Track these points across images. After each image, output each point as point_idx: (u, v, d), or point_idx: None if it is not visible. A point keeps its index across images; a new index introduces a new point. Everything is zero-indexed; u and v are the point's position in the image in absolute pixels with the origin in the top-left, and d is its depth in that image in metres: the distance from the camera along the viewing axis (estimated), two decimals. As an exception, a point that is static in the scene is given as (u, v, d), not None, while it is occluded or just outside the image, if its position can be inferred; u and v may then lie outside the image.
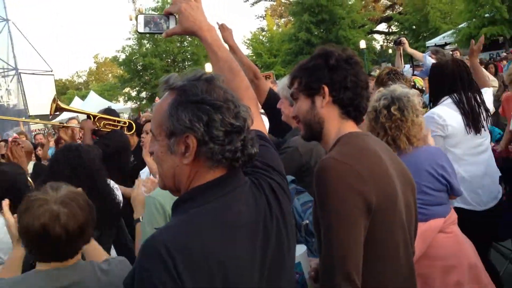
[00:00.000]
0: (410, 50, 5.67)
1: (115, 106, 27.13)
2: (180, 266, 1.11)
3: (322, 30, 28.94)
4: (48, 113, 4.57)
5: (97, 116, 4.49)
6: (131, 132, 4.87)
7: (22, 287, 1.76)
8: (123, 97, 31.79)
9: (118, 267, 1.98)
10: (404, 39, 5.55)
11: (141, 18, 1.69)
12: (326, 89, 1.66)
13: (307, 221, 2.32)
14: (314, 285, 1.79)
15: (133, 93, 29.60)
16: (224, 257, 1.19)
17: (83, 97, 32.33)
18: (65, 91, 50.95)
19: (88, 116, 4.51)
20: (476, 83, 3.38)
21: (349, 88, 1.65)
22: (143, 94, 28.89)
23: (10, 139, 8.05)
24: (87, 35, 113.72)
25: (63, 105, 4.69)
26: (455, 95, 3.25)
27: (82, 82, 66.31)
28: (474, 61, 3.92)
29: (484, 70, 4.46)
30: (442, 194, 2.60)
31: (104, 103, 26.76)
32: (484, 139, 3.35)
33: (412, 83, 4.36)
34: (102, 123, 4.46)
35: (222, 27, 3.28)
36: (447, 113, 3.21)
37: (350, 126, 1.70)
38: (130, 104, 29.73)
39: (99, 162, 2.87)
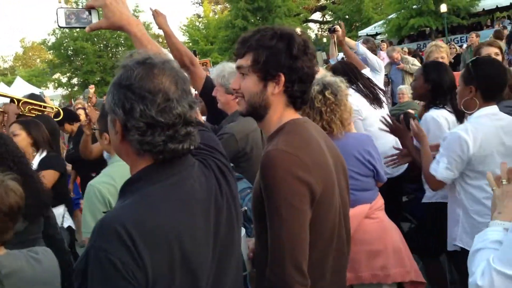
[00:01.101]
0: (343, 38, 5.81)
1: (44, 93, 25.92)
2: (138, 243, 1.13)
3: (258, 18, 29.09)
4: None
5: (21, 100, 4.30)
6: (59, 119, 4.72)
7: None
8: (53, 83, 30.36)
9: (47, 256, 2.00)
10: (338, 27, 5.63)
11: (61, 12, 1.62)
12: (282, 78, 1.58)
13: (245, 208, 2.37)
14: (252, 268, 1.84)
15: (64, 79, 28.37)
16: (181, 230, 1.23)
17: (8, 83, 30.49)
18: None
19: (12, 100, 4.30)
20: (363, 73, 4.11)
21: (303, 81, 1.60)
22: (75, 81, 27.77)
23: None
24: (13, 17, 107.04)
25: None
26: (353, 86, 3.81)
27: (7, 67, 62.57)
28: (344, 48, 5.05)
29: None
30: (369, 180, 2.72)
31: (32, 90, 25.47)
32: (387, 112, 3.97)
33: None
34: (27, 108, 4.28)
35: (156, 13, 3.22)
36: (355, 100, 3.62)
37: (291, 113, 1.67)
38: (60, 91, 28.49)
39: (21, 150, 2.78)
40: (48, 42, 27.69)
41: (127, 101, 1.22)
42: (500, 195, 1.57)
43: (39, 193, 2.66)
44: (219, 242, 1.35)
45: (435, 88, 3.18)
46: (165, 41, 3.27)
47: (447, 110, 3.14)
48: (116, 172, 2.38)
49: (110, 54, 27.61)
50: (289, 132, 1.60)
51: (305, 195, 1.49)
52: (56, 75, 29.60)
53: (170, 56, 1.68)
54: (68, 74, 27.78)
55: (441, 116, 3.09)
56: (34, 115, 4.28)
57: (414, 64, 8.16)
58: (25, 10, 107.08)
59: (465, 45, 13.09)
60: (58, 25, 1.65)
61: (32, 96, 4.78)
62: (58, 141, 4.59)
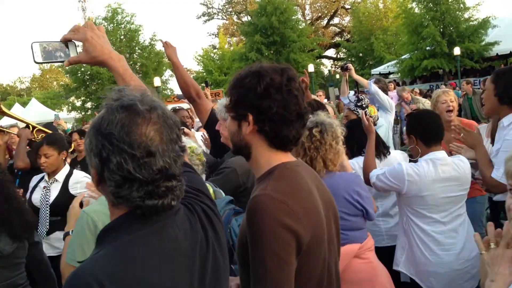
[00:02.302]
0: (356, 77, 5.80)
1: (59, 115, 26.24)
2: None
3: (272, 52, 29.45)
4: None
5: (36, 127, 4.43)
6: (70, 150, 4.84)
7: None
8: (67, 106, 30.78)
9: None
10: (350, 65, 5.70)
11: (36, 47, 1.55)
12: (250, 117, 1.53)
13: None
14: None
15: (78, 103, 28.73)
16: (160, 284, 1.14)
17: (24, 104, 31.08)
18: (5, 96, 48.83)
19: (27, 125, 4.45)
20: None
21: (275, 120, 1.51)
22: (88, 105, 28.08)
23: None
24: (33, 39, 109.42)
25: (4, 109, 4.58)
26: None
27: (24, 88, 63.74)
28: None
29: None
30: (357, 219, 2.69)
31: (47, 112, 25.86)
32: None
33: (357, 113, 4.48)
34: (40, 136, 4.39)
35: (166, 44, 3.28)
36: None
37: (280, 156, 1.59)
38: (74, 114, 28.84)
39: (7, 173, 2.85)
40: (63, 66, 28.19)
41: (104, 150, 1.11)
42: (490, 260, 1.48)
43: (22, 213, 2.70)
44: None
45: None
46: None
47: None
48: None
49: (124, 81, 27.93)
50: (278, 176, 1.53)
51: (291, 245, 1.42)
52: (71, 99, 30.02)
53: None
54: (82, 98, 28.16)
55: None
56: None
57: (426, 104, 8.16)
58: (46, 32, 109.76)
59: (477, 88, 13.12)
60: (34, 60, 1.56)
61: (47, 125, 4.94)
62: None
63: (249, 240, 1.45)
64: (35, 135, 4.37)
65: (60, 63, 1.62)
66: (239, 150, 1.64)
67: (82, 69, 26.50)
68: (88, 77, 27.18)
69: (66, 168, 3.88)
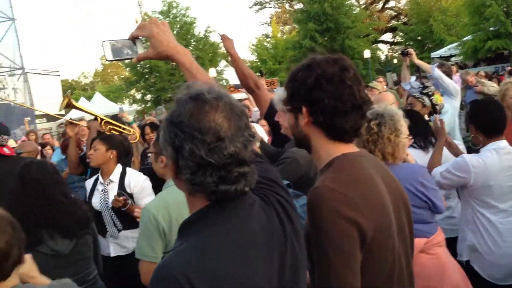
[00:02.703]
0: (417, 61, 5.57)
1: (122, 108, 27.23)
2: None
3: (326, 39, 29.02)
4: (54, 113, 4.65)
5: (104, 119, 4.61)
6: (134, 141, 5.00)
7: None
8: (128, 99, 31.89)
9: None
10: (411, 50, 5.51)
11: (107, 45, 1.60)
12: (304, 110, 1.53)
13: None
14: None
15: (138, 96, 29.69)
16: (243, 279, 1.17)
17: (88, 98, 32.46)
18: (71, 91, 51.09)
19: (96, 118, 4.63)
20: None
21: (327, 112, 1.50)
22: (148, 97, 28.95)
23: (23, 138, 8.15)
24: (95, 36, 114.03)
25: (74, 102, 4.80)
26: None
27: (88, 83, 66.52)
28: None
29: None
30: (423, 212, 2.61)
31: (109, 105, 26.90)
32: None
33: (422, 101, 4.34)
34: (108, 127, 4.57)
35: (224, 37, 3.31)
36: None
37: (341, 147, 1.57)
38: (135, 107, 29.82)
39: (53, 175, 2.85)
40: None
41: (177, 139, 1.17)
42: None
43: (73, 214, 2.74)
44: (284, 284, 1.26)
45: None
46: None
47: None
48: (171, 197, 2.42)
49: (181, 73, 28.46)
50: (337, 167, 1.52)
51: (353, 237, 1.40)
52: (132, 92, 31.05)
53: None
54: (142, 91, 29.05)
55: None
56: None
57: (493, 86, 7.79)
58: (107, 29, 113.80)
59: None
60: (106, 59, 1.63)
61: (113, 117, 5.12)
62: (128, 163, 4.86)
63: (311, 233, 1.45)
64: (103, 127, 4.54)
65: (129, 60, 1.67)
66: (300, 142, 1.65)
67: (141, 63, 27.29)
68: (147, 70, 27.97)
69: (118, 168, 3.89)
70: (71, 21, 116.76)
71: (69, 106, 4.67)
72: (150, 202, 2.52)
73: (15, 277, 1.83)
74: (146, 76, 28.30)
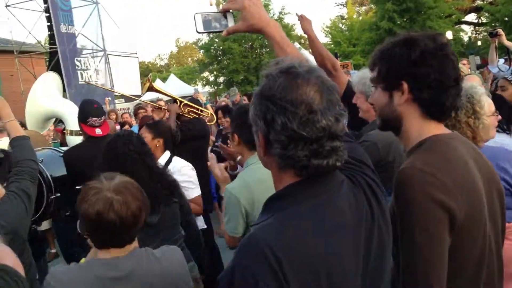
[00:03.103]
0: (507, 43, 5.24)
1: (192, 90, 27.93)
2: (285, 267, 1.07)
3: (405, 20, 27.84)
4: (134, 93, 4.85)
5: (183, 102, 4.72)
6: (212, 123, 5.08)
7: (79, 276, 1.82)
8: (201, 81, 32.63)
9: (171, 257, 2.03)
10: (500, 31, 5.14)
11: (198, 17, 1.62)
12: (405, 86, 1.49)
13: None
14: None
15: (211, 78, 30.29)
16: (329, 256, 1.14)
17: (164, 79, 33.54)
18: (147, 73, 52.83)
19: (175, 100, 4.75)
20: None
21: (432, 87, 1.46)
22: (221, 79, 29.45)
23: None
24: (170, 19, 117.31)
25: (155, 86, 4.96)
26: None
27: (163, 65, 68.77)
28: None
29: None
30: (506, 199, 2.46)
31: (183, 86, 27.65)
32: None
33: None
34: (186, 110, 4.68)
35: (302, 18, 3.26)
36: None
37: (433, 127, 1.52)
38: (207, 88, 30.46)
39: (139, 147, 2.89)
40: (200, 42, 29.79)
41: (268, 112, 1.16)
42: None
43: (158, 185, 2.79)
44: (369, 270, 1.22)
45: None
46: (307, 43, 3.29)
47: None
48: (251, 176, 2.45)
49: (254, 55, 28.72)
50: (428, 148, 1.48)
51: (442, 220, 1.35)
52: (205, 74, 31.76)
53: (312, 60, 1.60)
54: (215, 73, 29.61)
55: None
56: (191, 117, 4.68)
57: None
58: (182, 12, 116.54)
59: None
60: (196, 30, 1.65)
61: (192, 99, 5.22)
62: (206, 144, 4.94)
63: (398, 216, 1.40)
64: (182, 109, 4.65)
65: (219, 33, 1.67)
66: (388, 123, 1.59)
67: (215, 45, 27.75)
68: (220, 53, 28.40)
69: (165, 156, 3.84)
70: (148, 4, 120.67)
71: (151, 89, 4.82)
72: (231, 184, 2.55)
73: (136, 241, 1.95)
74: (219, 58, 28.74)
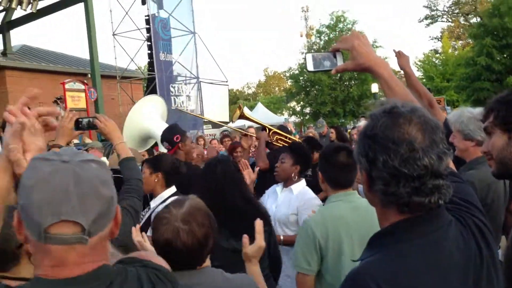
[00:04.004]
0: None
1: (278, 119, 28.27)
2: None
3: (505, 56, 26.36)
4: (222, 120, 5.01)
5: (272, 130, 4.79)
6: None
7: None
8: (287, 111, 32.95)
9: (242, 280, 2.05)
10: None
11: (309, 57, 1.72)
12: None
13: None
14: None
15: (298, 108, 30.50)
16: None
17: (251, 108, 34.33)
18: (235, 100, 54.46)
19: (264, 128, 4.83)
20: None
21: None
22: (307, 110, 29.56)
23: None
24: (259, 49, 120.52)
25: (246, 113, 5.08)
26: None
27: (250, 93, 70.40)
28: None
29: None
30: None
31: (270, 115, 28.09)
32: None
33: None
34: (275, 137, 4.73)
35: (399, 54, 3.23)
36: None
37: None
38: (293, 118, 30.69)
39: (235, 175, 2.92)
40: (290, 72, 30.20)
41: (370, 150, 1.21)
42: None
43: (248, 215, 2.73)
44: None
45: None
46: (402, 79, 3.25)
47: None
48: (330, 212, 2.49)
49: (343, 87, 28.57)
50: None
51: None
52: (292, 104, 32.06)
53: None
54: (301, 103, 29.79)
55: None
56: (280, 145, 4.73)
57: None
58: (272, 43, 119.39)
59: None
60: (306, 69, 1.74)
61: (281, 127, 5.27)
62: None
63: None
64: (271, 137, 4.72)
65: (328, 71, 1.74)
66: (506, 167, 1.60)
67: (304, 76, 28.02)
68: (308, 83, 28.59)
69: (169, 191, 3.58)
70: (239, 34, 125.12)
71: (242, 117, 4.94)
72: (310, 217, 2.59)
73: (208, 261, 2.03)
74: (307, 89, 28.92)
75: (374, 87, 23.10)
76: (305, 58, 1.73)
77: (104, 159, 5.84)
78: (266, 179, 4.36)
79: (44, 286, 1.05)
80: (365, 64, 1.62)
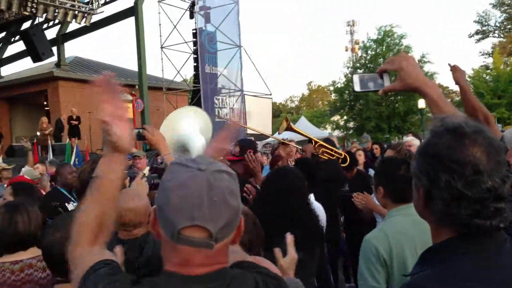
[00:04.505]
0: None
1: (321, 133, 28.09)
2: None
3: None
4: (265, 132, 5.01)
5: (318, 142, 4.77)
6: (345, 165, 5.02)
7: None
8: (331, 125, 32.70)
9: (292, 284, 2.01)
10: None
11: (356, 78, 1.73)
12: None
13: None
14: None
15: (341, 122, 30.22)
16: None
17: (294, 121, 34.24)
18: (278, 114, 54.64)
19: (310, 140, 4.83)
20: None
21: None
22: (351, 124, 29.24)
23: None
24: (304, 62, 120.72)
25: (293, 126, 5.11)
26: None
27: (293, 107, 70.46)
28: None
29: None
30: None
31: (313, 129, 27.97)
32: None
33: None
34: (321, 150, 4.72)
35: (455, 68, 3.12)
36: None
37: None
38: (337, 133, 30.41)
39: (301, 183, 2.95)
40: (334, 86, 30.02)
41: (432, 169, 1.18)
42: None
43: (306, 226, 2.76)
44: None
45: None
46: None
47: None
48: (392, 228, 2.43)
49: (388, 103, 28.10)
50: None
51: None
52: (335, 118, 31.80)
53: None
54: (345, 118, 29.49)
55: None
56: (326, 158, 4.72)
57: None
58: (316, 57, 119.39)
59: None
60: (353, 90, 1.75)
61: (326, 140, 5.27)
62: (338, 186, 4.88)
63: None
64: (316, 149, 4.71)
65: (375, 91, 1.75)
66: None
67: (349, 90, 27.78)
68: (353, 98, 28.32)
69: None
70: (284, 48, 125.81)
71: (288, 129, 4.97)
72: (370, 233, 2.52)
73: None
74: (352, 103, 28.64)
75: (421, 103, 22.57)
76: (352, 79, 1.75)
77: (147, 169, 5.93)
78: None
79: (173, 280, 1.15)
80: (414, 84, 1.61)
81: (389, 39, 28.32)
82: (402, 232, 2.42)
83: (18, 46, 21.08)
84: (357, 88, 1.72)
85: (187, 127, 7.21)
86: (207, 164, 1.15)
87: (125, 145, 1.46)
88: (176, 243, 1.11)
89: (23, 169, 7.26)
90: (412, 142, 5.91)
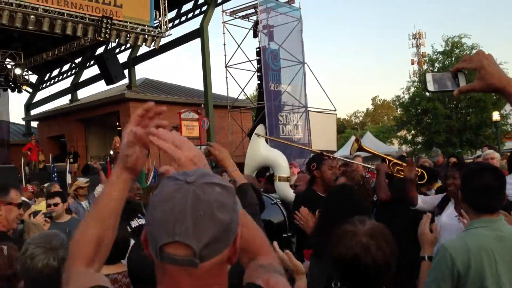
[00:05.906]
0: None
1: (388, 148, 27.31)
2: None
3: None
4: (329, 149, 4.99)
5: (392, 161, 4.62)
6: (422, 182, 4.81)
7: None
8: (398, 140, 31.74)
9: None
10: None
11: (429, 77, 1.63)
12: None
13: None
14: None
15: (409, 137, 29.24)
16: None
17: (359, 137, 33.63)
18: (342, 129, 53.78)
19: (383, 159, 4.69)
20: None
21: None
22: (419, 139, 28.22)
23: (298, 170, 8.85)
24: (368, 77, 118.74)
25: (365, 146, 5.02)
26: None
27: (358, 122, 69.21)
28: None
29: None
30: None
31: (379, 145, 27.27)
32: None
33: None
34: (395, 169, 4.55)
35: None
36: None
37: None
38: (404, 148, 29.44)
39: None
40: (400, 100, 29.18)
41: None
42: None
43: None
44: None
45: None
46: None
47: None
48: (473, 241, 2.27)
49: (459, 115, 26.89)
50: None
51: None
52: (402, 133, 30.83)
53: None
54: (413, 132, 28.52)
55: None
56: (401, 176, 4.56)
57: None
58: (381, 71, 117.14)
59: None
60: (427, 89, 1.65)
61: (400, 157, 5.13)
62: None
63: None
64: (391, 168, 4.54)
65: (449, 92, 1.64)
66: None
67: (415, 103, 26.92)
68: (420, 111, 27.38)
69: None
70: (348, 63, 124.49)
71: (360, 149, 4.88)
72: (449, 241, 2.38)
73: None
74: (419, 117, 27.68)
75: (495, 115, 21.43)
76: (425, 78, 1.64)
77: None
78: (388, 210, 4.19)
79: None
80: (496, 84, 1.48)
81: (457, 50, 27.20)
82: (484, 248, 2.24)
83: (92, 71, 22.36)
84: (430, 87, 1.62)
85: (265, 147, 7.24)
86: (197, 176, 1.05)
87: (138, 168, 1.40)
88: (160, 261, 1.02)
89: (97, 187, 7.61)
90: (494, 155, 5.62)
